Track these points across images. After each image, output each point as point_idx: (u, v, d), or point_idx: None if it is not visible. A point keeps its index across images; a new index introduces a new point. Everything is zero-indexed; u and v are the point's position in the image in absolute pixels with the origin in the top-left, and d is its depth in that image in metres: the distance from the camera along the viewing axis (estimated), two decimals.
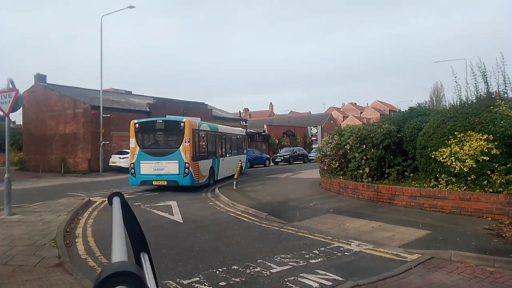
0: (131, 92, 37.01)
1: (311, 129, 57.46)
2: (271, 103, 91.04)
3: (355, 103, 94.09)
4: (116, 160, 24.10)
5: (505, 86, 10.16)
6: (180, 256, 6.08)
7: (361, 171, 11.32)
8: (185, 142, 13.83)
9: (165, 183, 13.93)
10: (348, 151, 12.02)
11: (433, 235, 6.71)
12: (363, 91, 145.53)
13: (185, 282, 4.92)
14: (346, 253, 6.02)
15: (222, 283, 4.83)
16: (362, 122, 46.08)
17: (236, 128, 24.72)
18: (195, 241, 7.04)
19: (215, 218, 9.25)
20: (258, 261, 5.66)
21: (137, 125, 14.42)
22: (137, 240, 1.38)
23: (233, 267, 5.42)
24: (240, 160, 15.83)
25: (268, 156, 34.50)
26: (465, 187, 8.39)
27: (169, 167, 13.77)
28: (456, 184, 8.56)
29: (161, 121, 15.07)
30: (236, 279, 4.95)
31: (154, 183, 14.17)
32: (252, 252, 6.19)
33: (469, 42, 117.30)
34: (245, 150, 23.50)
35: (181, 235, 7.56)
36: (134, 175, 14.16)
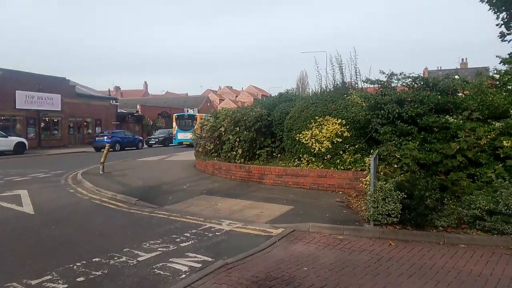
0: None
1: (187, 110, 56.72)
2: (145, 82, 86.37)
3: (231, 87, 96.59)
4: None
5: (356, 77, 11.69)
6: (28, 253, 5.24)
7: (234, 152, 11.64)
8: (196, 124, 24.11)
9: (188, 143, 26.78)
10: (223, 134, 12.20)
11: (295, 209, 7.34)
12: (239, 76, 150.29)
13: (33, 282, 4.24)
14: (217, 233, 6.10)
15: (80, 279, 4.33)
16: (237, 105, 47.59)
17: None
18: (49, 234, 6.17)
19: (75, 207, 8.31)
20: (124, 250, 5.27)
21: (175, 116, 31.82)
22: None
23: (94, 259, 4.92)
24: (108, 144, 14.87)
25: (141, 138, 32.86)
26: (322, 166, 9.40)
27: (189, 136, 24.04)
28: (315, 163, 9.52)
29: (187, 115, 31.67)
30: (97, 273, 4.50)
31: (183, 143, 28.99)
32: (118, 241, 5.74)
33: (331, 38, 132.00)
34: None
35: (31, 228, 6.53)
36: (174, 139, 30.74)
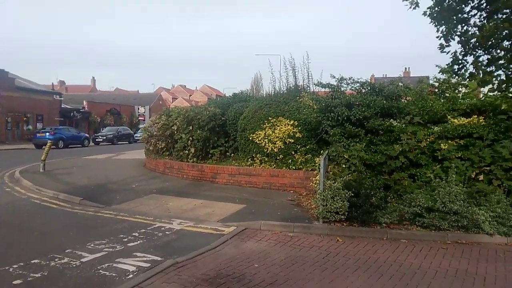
0: None
1: (138, 108, 54.97)
2: (93, 77, 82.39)
3: (185, 86, 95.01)
4: None
5: (309, 81, 11.99)
6: None
7: (187, 151, 11.45)
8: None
9: None
10: (175, 132, 11.96)
11: (247, 208, 7.38)
12: (193, 76, 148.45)
13: None
14: (167, 233, 5.96)
15: (16, 282, 4.03)
16: (191, 105, 46.93)
17: None
18: None
19: (12, 206, 7.71)
20: (67, 251, 4.98)
21: None
22: None
23: (33, 261, 4.59)
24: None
25: (87, 135, 31.24)
26: (274, 165, 9.53)
27: None
28: (268, 163, 9.64)
29: None
30: (36, 275, 4.21)
31: None
32: (60, 242, 5.41)
33: (286, 42, 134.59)
34: None
35: None
36: None
